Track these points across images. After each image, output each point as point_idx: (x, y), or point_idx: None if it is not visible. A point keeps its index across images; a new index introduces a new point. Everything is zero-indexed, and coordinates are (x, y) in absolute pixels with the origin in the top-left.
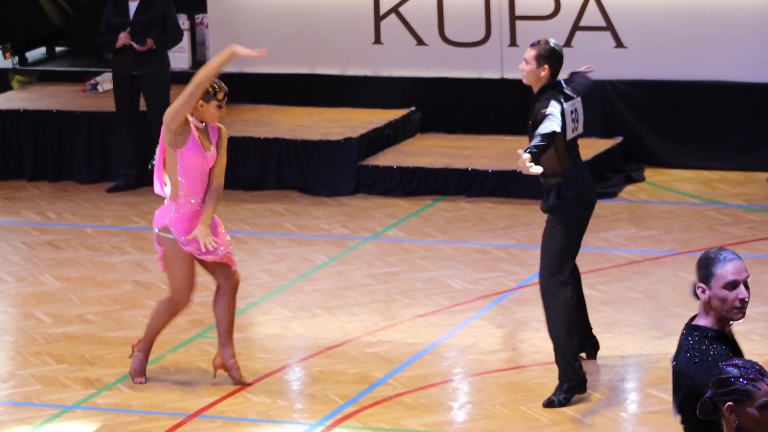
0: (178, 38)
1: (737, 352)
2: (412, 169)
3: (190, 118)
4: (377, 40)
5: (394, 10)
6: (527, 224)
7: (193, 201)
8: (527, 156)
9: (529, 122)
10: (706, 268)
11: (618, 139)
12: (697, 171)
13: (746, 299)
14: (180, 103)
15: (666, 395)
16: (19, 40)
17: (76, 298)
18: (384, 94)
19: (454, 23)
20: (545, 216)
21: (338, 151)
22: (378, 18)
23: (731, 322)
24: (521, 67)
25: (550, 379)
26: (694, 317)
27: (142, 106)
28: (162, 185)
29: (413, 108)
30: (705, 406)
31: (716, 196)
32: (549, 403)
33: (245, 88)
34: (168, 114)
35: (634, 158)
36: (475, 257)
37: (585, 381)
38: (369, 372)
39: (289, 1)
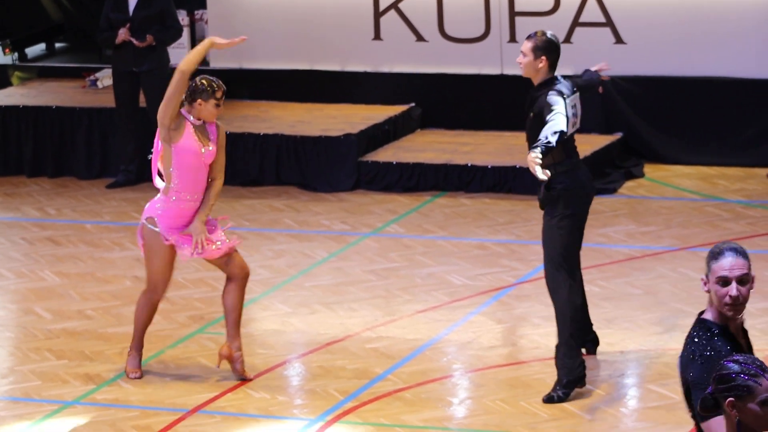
0: (178, 34)
1: (742, 348)
2: (411, 164)
3: (189, 118)
4: (377, 36)
5: (394, 6)
6: (527, 220)
7: (188, 197)
8: (537, 159)
9: (531, 114)
10: (708, 261)
11: (617, 135)
12: (696, 167)
13: (738, 297)
14: (168, 94)
15: (666, 391)
16: (18, 36)
17: (76, 294)
18: (383, 90)
19: (454, 19)
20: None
21: (338, 147)
22: (377, 14)
23: (740, 317)
24: (519, 59)
25: (549, 375)
26: (704, 310)
27: (142, 102)
28: (155, 177)
29: (413, 104)
30: (706, 402)
31: (716, 192)
32: (548, 399)
33: (245, 84)
34: (160, 110)
35: (634, 154)
36: (475, 253)
37: (584, 375)
38: (369, 367)
39: None
